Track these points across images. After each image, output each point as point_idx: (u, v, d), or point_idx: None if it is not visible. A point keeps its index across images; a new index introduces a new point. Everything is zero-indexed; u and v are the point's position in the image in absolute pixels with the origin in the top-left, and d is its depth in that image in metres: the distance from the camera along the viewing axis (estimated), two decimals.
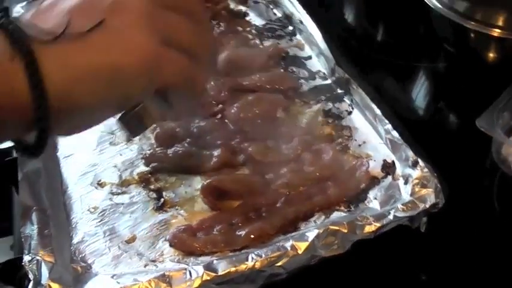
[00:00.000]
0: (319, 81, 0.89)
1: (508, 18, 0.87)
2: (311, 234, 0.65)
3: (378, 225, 0.66)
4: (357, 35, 1.06)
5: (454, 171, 0.78)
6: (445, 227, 0.72)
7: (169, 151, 0.78)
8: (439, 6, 0.91)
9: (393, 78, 0.96)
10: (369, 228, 0.66)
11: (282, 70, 0.91)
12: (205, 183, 0.74)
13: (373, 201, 0.72)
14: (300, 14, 0.96)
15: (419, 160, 0.72)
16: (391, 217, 0.67)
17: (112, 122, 0.80)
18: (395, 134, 0.76)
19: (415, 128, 0.82)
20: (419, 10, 0.95)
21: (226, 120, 0.83)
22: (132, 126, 0.57)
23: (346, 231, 0.66)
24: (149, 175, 0.77)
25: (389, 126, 0.76)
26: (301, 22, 0.95)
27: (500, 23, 0.87)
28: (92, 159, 0.79)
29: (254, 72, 0.88)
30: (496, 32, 0.87)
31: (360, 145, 0.79)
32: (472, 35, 0.90)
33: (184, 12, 0.54)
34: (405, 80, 0.96)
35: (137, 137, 0.81)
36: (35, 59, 0.46)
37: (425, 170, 0.71)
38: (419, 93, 0.95)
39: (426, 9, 0.93)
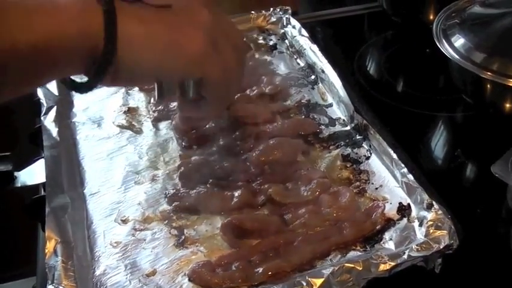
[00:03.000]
0: (338, 128, 0.92)
1: None
2: (326, 271, 0.67)
3: (393, 264, 0.68)
4: (378, 85, 1.09)
5: (470, 216, 0.80)
6: (460, 269, 0.73)
7: (192, 192, 0.81)
8: (457, 57, 0.93)
9: (412, 126, 0.98)
10: (383, 267, 0.68)
11: (303, 117, 0.94)
12: (225, 221, 0.76)
13: (389, 241, 0.73)
14: (322, 63, 0.99)
15: (434, 203, 0.74)
16: (405, 257, 0.68)
17: (137, 162, 0.86)
18: (410, 177, 0.77)
19: (433, 174, 0.85)
20: (438, 61, 0.97)
21: (248, 163, 0.85)
22: (168, 92, 0.69)
23: (360, 269, 0.67)
24: (171, 213, 0.79)
25: (405, 170, 0.78)
26: (322, 71, 0.99)
27: None
28: (117, 196, 0.82)
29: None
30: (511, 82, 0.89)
31: (376, 188, 0.81)
32: (489, 85, 0.92)
33: (232, 42, 0.70)
34: (423, 128, 0.98)
35: (162, 177, 0.85)
36: (114, 8, 0.57)
37: (440, 212, 0.72)
38: (438, 142, 0.97)
39: (445, 61, 0.95)
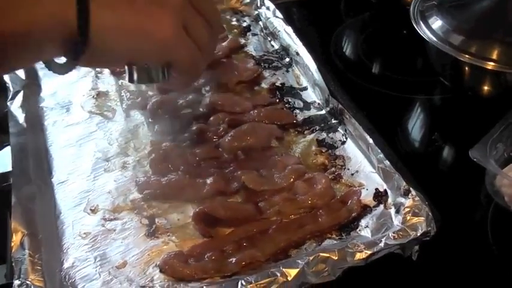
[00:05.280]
0: (313, 112, 0.90)
1: (502, 52, 0.87)
2: (301, 261, 0.65)
3: (369, 252, 0.66)
4: (354, 68, 1.07)
5: (447, 202, 0.78)
6: (438, 256, 0.72)
7: (163, 179, 0.79)
8: (435, 39, 0.91)
9: (389, 109, 0.96)
10: (359, 256, 0.66)
11: (279, 105, 0.92)
12: (197, 210, 0.74)
13: (365, 229, 0.72)
14: (297, 46, 0.97)
15: (411, 189, 0.72)
16: (382, 245, 0.67)
17: (107, 149, 0.83)
18: (387, 163, 0.76)
19: (409, 158, 0.84)
20: (415, 43, 0.96)
21: (220, 149, 0.83)
22: (138, 75, 0.69)
23: (336, 258, 0.66)
24: (142, 202, 0.77)
25: (381, 156, 0.76)
26: (297, 54, 0.96)
27: (494, 57, 0.87)
28: (86, 185, 0.80)
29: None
30: (491, 65, 0.87)
31: (352, 174, 0.79)
32: (467, 68, 0.91)
33: (206, 16, 0.70)
34: (400, 111, 0.97)
35: (132, 164, 0.82)
36: None
37: (417, 198, 0.71)
38: (415, 125, 0.96)
39: (422, 43, 0.94)
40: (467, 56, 0.88)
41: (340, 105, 0.85)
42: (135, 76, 0.68)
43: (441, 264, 0.72)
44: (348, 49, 1.14)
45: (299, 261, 0.66)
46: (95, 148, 0.85)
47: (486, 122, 0.83)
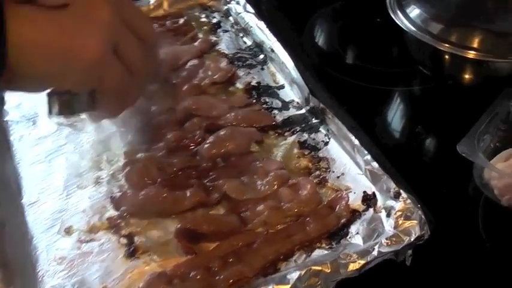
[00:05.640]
0: (293, 111, 0.86)
1: (483, 40, 0.84)
2: (293, 276, 0.62)
3: (362, 262, 0.64)
4: (329, 60, 1.03)
5: (436, 198, 0.75)
6: (431, 257, 0.69)
7: (140, 193, 0.74)
8: (413, 29, 0.88)
9: (368, 103, 0.93)
10: (353, 266, 0.63)
11: (256, 105, 0.88)
12: (178, 226, 0.70)
13: (356, 236, 0.69)
14: (271, 42, 0.93)
15: (402, 191, 0.70)
16: (375, 253, 0.64)
17: (79, 163, 0.78)
18: (375, 164, 0.73)
19: (394, 154, 0.80)
20: (393, 33, 0.92)
21: (198, 157, 0.79)
22: (59, 106, 0.63)
23: (329, 271, 0.63)
24: (119, 220, 0.73)
25: (369, 157, 0.73)
26: (272, 50, 0.93)
27: (475, 45, 0.84)
28: (59, 204, 0.75)
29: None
30: (472, 54, 0.84)
31: (338, 177, 0.76)
32: (447, 57, 0.88)
33: (139, 35, 0.63)
34: (380, 104, 0.93)
35: (106, 178, 0.78)
36: (2, 12, 0.52)
37: (408, 201, 0.69)
38: (397, 118, 0.92)
39: (399, 31, 0.90)
40: (447, 45, 0.86)
41: (321, 105, 0.81)
42: (56, 107, 0.62)
43: (435, 264, 0.69)
44: (321, 40, 1.10)
45: (290, 276, 0.63)
46: (66, 163, 0.80)
47: (469, 111, 0.81)
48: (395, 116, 0.93)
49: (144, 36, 0.64)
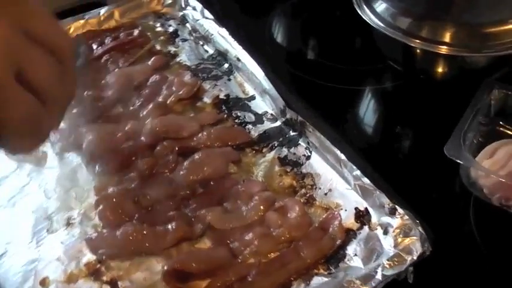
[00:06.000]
0: (268, 125, 0.82)
1: (455, 33, 0.82)
2: None
3: None
4: (293, 60, 0.99)
5: (422, 201, 0.72)
6: (429, 268, 0.66)
7: (118, 232, 0.69)
8: (382, 25, 0.85)
9: (338, 104, 0.89)
10: None
11: (228, 121, 0.83)
12: (165, 267, 0.65)
13: (354, 258, 0.66)
14: (236, 50, 0.88)
15: (397, 207, 0.66)
16: (379, 277, 0.61)
17: (46, 204, 0.72)
18: (366, 180, 0.69)
19: (371, 158, 0.76)
20: (359, 29, 0.88)
21: (173, 186, 0.74)
22: None
23: None
24: (98, 264, 0.67)
25: (358, 173, 0.70)
26: (238, 59, 0.87)
27: (447, 39, 0.81)
28: (30, 254, 0.69)
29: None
30: (444, 50, 0.81)
31: (326, 194, 0.73)
32: (419, 53, 0.85)
33: (49, 48, 0.49)
34: (351, 105, 0.89)
35: (78, 218, 0.72)
36: None
37: (406, 217, 0.66)
38: (370, 119, 0.88)
39: (368, 28, 0.87)
40: (418, 41, 0.83)
41: (299, 117, 0.77)
42: None
43: (433, 274, 0.67)
44: (283, 39, 1.05)
45: None
46: (31, 205, 0.74)
47: (446, 105, 0.80)
48: (368, 116, 0.89)
49: (58, 50, 0.50)
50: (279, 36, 1.05)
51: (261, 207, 0.71)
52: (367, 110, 0.90)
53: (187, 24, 1.00)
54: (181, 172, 0.74)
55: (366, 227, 0.68)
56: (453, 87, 0.85)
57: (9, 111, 0.46)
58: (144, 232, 0.69)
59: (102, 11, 0.98)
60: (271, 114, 0.82)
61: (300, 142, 0.78)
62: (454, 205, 0.75)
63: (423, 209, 0.67)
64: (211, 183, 0.74)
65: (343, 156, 0.71)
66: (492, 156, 0.75)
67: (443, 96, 0.85)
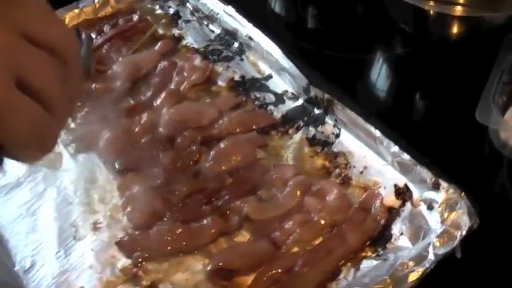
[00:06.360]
0: (290, 104, 0.78)
1: None
2: None
3: (421, 270, 0.58)
4: (298, 31, 0.94)
5: (459, 169, 0.69)
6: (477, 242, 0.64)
7: (152, 233, 0.65)
8: None
9: (351, 75, 0.85)
10: (413, 276, 0.58)
11: (248, 104, 0.79)
12: (209, 268, 0.62)
13: (401, 237, 0.63)
14: (247, 28, 0.84)
15: (441, 181, 0.64)
16: (431, 257, 0.59)
17: (68, 210, 0.68)
18: (406, 156, 0.66)
19: (400, 127, 0.73)
20: None
21: (202, 178, 0.71)
22: None
23: (391, 287, 0.57)
24: (135, 268, 0.64)
25: (396, 149, 0.67)
26: (250, 38, 0.83)
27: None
28: (59, 265, 0.65)
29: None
30: (458, 11, 0.78)
31: (361, 172, 0.70)
32: (432, 15, 0.82)
33: (50, 49, 0.44)
34: (368, 76, 0.86)
35: (105, 222, 0.68)
36: None
37: (451, 191, 0.63)
38: (387, 89, 0.85)
39: None
40: (432, 3, 0.79)
41: (326, 95, 0.73)
42: None
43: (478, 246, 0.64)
44: (279, 7, 1.00)
45: None
46: (53, 212, 0.70)
47: (461, 70, 0.77)
48: (381, 85, 0.85)
49: (62, 51, 0.46)
50: (276, 7, 1.00)
51: (297, 192, 0.68)
52: (379, 79, 0.86)
53: (188, 4, 0.95)
54: (208, 163, 0.71)
55: (408, 204, 0.66)
56: (468, 49, 0.82)
57: (14, 122, 0.42)
58: (179, 231, 0.66)
59: None
60: (292, 93, 0.79)
61: (326, 120, 0.75)
62: (487, 170, 0.72)
63: (456, 177, 0.65)
64: (240, 171, 0.71)
65: (378, 133, 0.68)
66: None
67: (459, 59, 0.82)
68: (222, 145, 0.72)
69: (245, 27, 0.84)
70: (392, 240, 0.63)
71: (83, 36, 0.55)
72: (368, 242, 0.64)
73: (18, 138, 0.43)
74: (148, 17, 0.92)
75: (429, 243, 0.60)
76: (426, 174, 0.65)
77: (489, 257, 0.64)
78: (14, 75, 0.42)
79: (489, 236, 0.64)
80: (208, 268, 0.62)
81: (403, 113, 0.80)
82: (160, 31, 0.90)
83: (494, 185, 0.72)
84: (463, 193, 0.62)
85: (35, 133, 0.44)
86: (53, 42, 0.45)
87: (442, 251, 0.59)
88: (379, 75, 0.87)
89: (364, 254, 0.63)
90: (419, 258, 0.59)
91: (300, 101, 0.78)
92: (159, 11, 0.94)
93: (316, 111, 0.76)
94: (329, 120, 0.75)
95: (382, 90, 0.85)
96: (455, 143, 0.74)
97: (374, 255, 0.63)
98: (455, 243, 0.59)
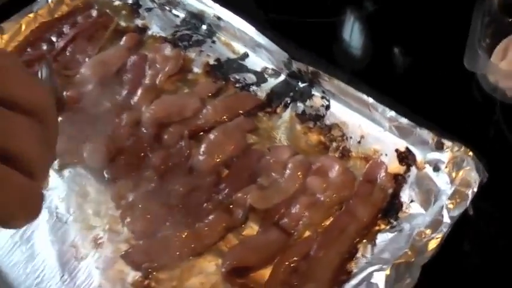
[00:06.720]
0: (272, 82, 0.75)
1: None
2: (378, 279, 0.55)
3: (440, 236, 0.57)
4: (279, 4, 0.89)
5: (449, 122, 0.67)
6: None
7: (157, 240, 0.63)
8: None
9: (334, 38, 0.82)
10: (433, 243, 0.57)
11: (229, 88, 0.76)
12: (224, 269, 0.60)
13: (411, 204, 0.62)
14: (214, 9, 0.80)
15: (444, 140, 0.62)
16: (447, 220, 0.58)
17: (64, 230, 0.65)
18: (404, 120, 0.65)
19: (385, 85, 0.70)
20: None
21: (196, 173, 0.68)
22: None
23: (413, 259, 0.56)
24: (146, 280, 0.61)
25: (392, 114, 0.65)
26: (218, 18, 0.79)
27: None
28: None
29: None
30: None
31: (359, 142, 0.68)
32: None
33: (28, 110, 0.41)
34: (344, 36, 0.83)
35: (105, 236, 0.65)
36: None
37: (456, 149, 0.62)
38: (370, 47, 0.82)
39: None
40: None
41: (310, 68, 0.70)
42: None
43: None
44: None
45: (374, 280, 0.55)
46: (48, 235, 0.66)
47: (433, 17, 0.76)
48: (360, 45, 0.83)
49: (39, 110, 0.43)
50: None
51: (298, 173, 0.66)
52: (355, 40, 0.83)
53: None
54: (201, 157, 0.68)
55: (413, 169, 0.64)
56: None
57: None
58: (185, 233, 0.63)
59: None
60: (272, 69, 0.76)
61: (313, 93, 0.72)
62: (481, 118, 0.71)
63: (452, 131, 0.64)
64: (234, 160, 0.68)
65: (371, 100, 0.66)
66: (505, 56, 0.71)
67: (432, 9, 0.80)
68: (211, 136, 0.69)
69: (211, 8, 0.80)
70: (404, 208, 0.62)
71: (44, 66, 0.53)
72: (379, 215, 0.62)
73: (4, 212, 0.41)
74: (108, 10, 0.87)
75: (442, 207, 0.59)
76: (427, 135, 0.63)
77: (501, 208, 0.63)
78: None
79: (498, 188, 0.63)
80: (223, 269, 0.60)
81: (384, 71, 0.78)
82: (123, 23, 0.86)
83: (491, 131, 0.71)
84: (468, 150, 0.61)
85: (22, 202, 0.42)
86: (31, 104, 0.42)
87: (456, 213, 0.58)
88: (354, 36, 0.84)
89: (377, 227, 0.62)
90: (435, 224, 0.58)
91: (282, 77, 0.75)
92: (117, 2, 0.89)
93: (301, 84, 0.73)
94: (316, 93, 0.72)
95: (361, 50, 0.83)
96: (443, 95, 0.73)
97: (388, 227, 0.61)
98: (468, 202, 0.58)
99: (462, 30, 0.70)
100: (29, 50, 0.82)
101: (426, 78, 0.75)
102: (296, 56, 0.72)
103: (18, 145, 0.41)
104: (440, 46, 0.76)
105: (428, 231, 0.57)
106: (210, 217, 0.64)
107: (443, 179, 0.61)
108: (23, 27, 0.84)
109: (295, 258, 0.60)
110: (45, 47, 0.82)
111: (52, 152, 0.45)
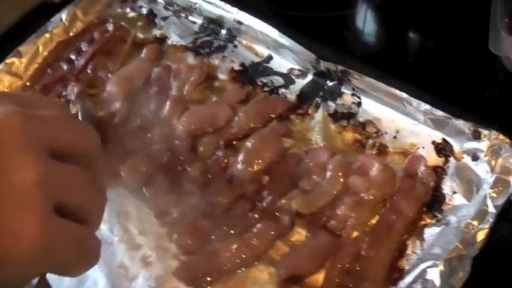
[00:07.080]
0: (300, 83, 0.75)
1: None
2: (433, 275, 0.56)
3: (487, 226, 0.58)
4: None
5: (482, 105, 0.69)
6: None
7: (206, 254, 0.64)
8: None
9: (349, 30, 0.82)
10: (482, 234, 0.58)
11: (258, 93, 0.76)
12: (278, 278, 0.61)
13: (454, 196, 0.63)
14: (233, 13, 0.80)
15: (480, 129, 0.63)
16: (492, 209, 0.59)
17: (110, 252, 0.66)
18: (439, 112, 0.65)
19: (408, 73, 0.71)
20: None
21: (236, 183, 0.68)
22: None
23: (464, 252, 0.57)
24: None
25: (427, 107, 0.65)
26: (238, 22, 0.79)
27: None
28: None
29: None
30: None
31: (395, 137, 0.69)
32: None
33: (79, 160, 0.44)
34: (360, 27, 0.83)
35: (153, 255, 0.65)
36: None
37: (493, 137, 0.63)
38: (388, 36, 0.82)
39: None
40: None
41: (339, 67, 0.71)
42: None
43: None
44: None
45: (429, 276, 0.57)
46: None
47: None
48: (378, 35, 0.83)
49: (87, 152, 0.45)
50: None
51: (339, 174, 0.66)
52: (372, 30, 0.83)
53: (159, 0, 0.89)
54: (240, 166, 0.68)
55: (451, 159, 0.65)
56: None
57: (61, 251, 0.41)
58: (235, 246, 0.63)
59: (63, 15, 0.86)
60: (299, 70, 0.76)
61: (343, 90, 0.72)
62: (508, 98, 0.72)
63: (482, 115, 0.65)
64: (273, 166, 0.69)
65: (404, 95, 0.66)
66: None
67: None
68: (248, 144, 0.69)
69: (230, 12, 0.80)
70: (447, 200, 0.63)
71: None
72: (424, 209, 0.63)
73: (66, 263, 0.43)
74: (123, 23, 0.86)
75: (485, 196, 0.60)
76: (464, 125, 0.64)
77: None
78: (52, 204, 0.40)
79: None
80: (278, 279, 0.61)
81: (403, 59, 0.79)
82: (140, 35, 0.85)
83: None
84: (506, 137, 0.62)
85: (80, 252, 0.44)
86: (80, 151, 0.44)
87: (500, 201, 0.59)
88: (369, 25, 0.84)
89: (423, 222, 0.62)
90: (480, 215, 0.59)
91: (309, 77, 0.75)
92: (131, 14, 0.88)
93: (329, 83, 0.73)
94: (345, 90, 0.72)
95: (378, 39, 0.83)
96: (467, 79, 0.73)
97: (434, 221, 0.62)
98: (511, 189, 0.59)
99: (482, 11, 0.70)
100: (49, 71, 0.82)
101: (450, 63, 0.75)
102: (321, 55, 0.72)
103: (74, 198, 0.43)
104: (460, 29, 0.76)
105: (475, 223, 0.58)
106: (258, 226, 0.64)
107: (483, 168, 0.62)
108: (41, 48, 0.83)
109: (347, 260, 0.61)
110: (65, 67, 0.82)
111: (104, 194, 0.47)
